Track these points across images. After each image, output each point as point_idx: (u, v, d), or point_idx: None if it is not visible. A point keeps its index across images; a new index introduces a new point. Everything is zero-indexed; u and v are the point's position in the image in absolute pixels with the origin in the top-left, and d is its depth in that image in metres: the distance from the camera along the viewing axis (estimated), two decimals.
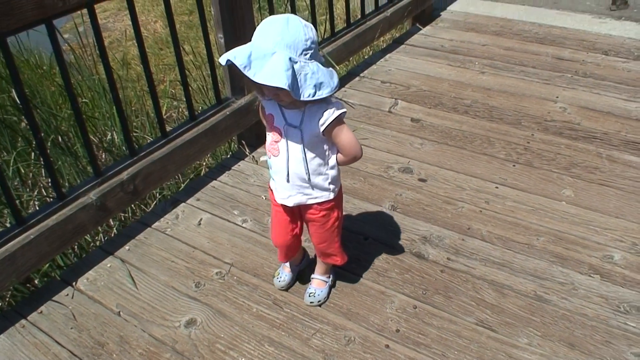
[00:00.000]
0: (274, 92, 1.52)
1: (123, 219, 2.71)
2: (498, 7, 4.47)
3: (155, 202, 2.79)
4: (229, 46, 2.56)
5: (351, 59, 3.96)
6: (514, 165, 2.62)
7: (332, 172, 1.74)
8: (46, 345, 1.92)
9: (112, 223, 2.63)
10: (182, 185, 2.84)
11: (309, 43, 1.48)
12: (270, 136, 1.70)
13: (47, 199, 2.68)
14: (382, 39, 4.15)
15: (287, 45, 1.45)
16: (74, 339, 1.94)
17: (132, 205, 2.67)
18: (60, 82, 3.64)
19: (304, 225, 1.92)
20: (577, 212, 2.33)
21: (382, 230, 2.30)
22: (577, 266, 2.08)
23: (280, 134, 1.66)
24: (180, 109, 3.86)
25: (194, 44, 4.91)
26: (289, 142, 1.65)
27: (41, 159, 2.67)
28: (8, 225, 2.34)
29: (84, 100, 3.50)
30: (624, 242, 2.17)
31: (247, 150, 2.83)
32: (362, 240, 2.26)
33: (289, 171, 1.70)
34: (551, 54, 3.67)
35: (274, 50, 1.44)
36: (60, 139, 3.00)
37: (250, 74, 1.44)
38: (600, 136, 2.80)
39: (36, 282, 2.32)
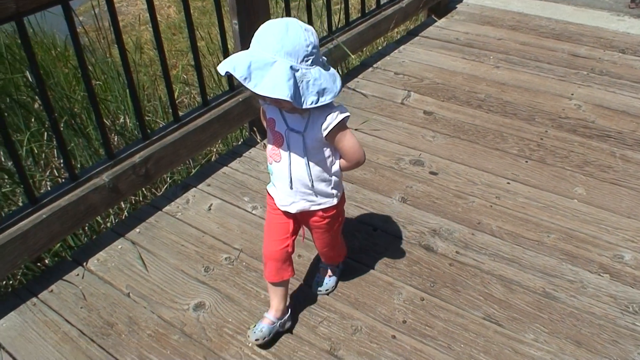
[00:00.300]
0: (275, 100, 1.47)
1: (134, 202, 2.73)
2: (514, 2, 4.45)
3: (166, 186, 2.81)
4: (243, 32, 2.57)
5: (365, 49, 3.95)
6: (526, 162, 2.62)
7: (335, 178, 1.70)
8: (56, 324, 1.95)
9: (123, 205, 2.65)
10: (193, 171, 2.85)
11: (310, 49, 1.43)
12: (271, 141, 1.65)
13: (59, 179, 2.70)
14: (396, 30, 4.14)
15: (287, 53, 1.41)
16: (83, 318, 1.96)
17: (143, 189, 2.69)
18: (75, 64, 3.68)
19: (296, 240, 1.83)
20: (588, 211, 2.33)
21: (391, 222, 2.31)
22: (586, 265, 2.08)
23: (282, 139, 1.61)
24: (192, 95, 3.87)
25: (207, 30, 4.91)
26: (291, 147, 1.61)
27: (54, 140, 2.71)
28: (20, 204, 2.37)
29: (97, 82, 3.51)
30: (635, 242, 2.17)
31: (259, 137, 2.83)
32: (371, 231, 2.26)
33: (292, 177, 1.65)
34: (567, 50, 3.65)
35: (274, 60, 1.40)
36: (73, 120, 3.02)
37: (250, 85, 1.40)
38: (614, 135, 2.79)
39: (47, 261, 2.35)
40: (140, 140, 2.35)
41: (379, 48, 4.02)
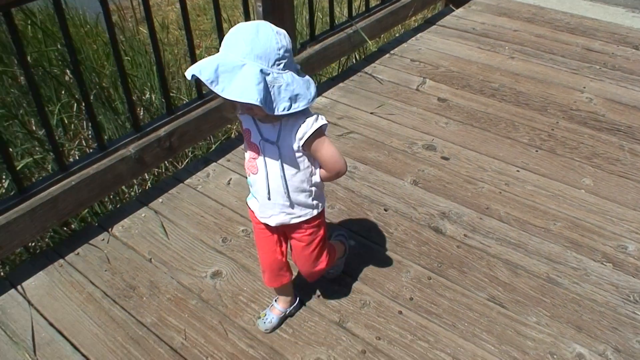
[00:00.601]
0: (247, 107, 1.35)
1: (156, 173, 2.76)
2: None
3: (187, 160, 2.84)
4: (267, 14, 2.57)
5: (382, 36, 3.93)
6: (536, 151, 2.61)
7: (316, 189, 1.58)
8: (81, 285, 1.99)
9: (146, 177, 2.68)
10: (213, 146, 2.87)
11: (281, 52, 1.32)
12: (247, 153, 1.54)
13: (87, 150, 2.73)
14: (413, 18, 4.11)
15: (257, 56, 1.29)
16: (107, 281, 2.00)
17: (166, 162, 2.71)
18: (105, 40, 3.70)
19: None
20: (595, 201, 2.32)
21: (402, 203, 2.31)
22: (590, 253, 2.08)
23: (258, 150, 1.49)
24: None
25: (230, 12, 4.90)
26: (266, 158, 1.49)
27: (83, 112, 2.74)
28: (50, 171, 2.40)
29: (126, 58, 3.53)
30: (639, 234, 2.16)
31: None
32: (383, 211, 2.27)
33: (269, 189, 1.53)
34: (581, 44, 3.61)
35: (243, 62, 1.28)
36: (101, 94, 3.04)
37: (218, 89, 1.27)
38: (624, 129, 2.77)
39: (74, 226, 2.39)
40: (165, 115, 2.37)
41: (397, 35, 3.99)
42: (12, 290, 1.99)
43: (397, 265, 2.04)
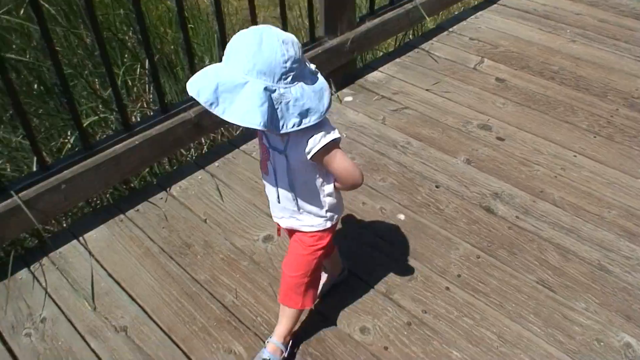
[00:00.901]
0: None
1: (212, 138, 2.79)
2: None
3: (241, 128, 2.85)
4: None
5: (440, 13, 3.83)
6: (594, 137, 2.51)
7: (330, 199, 1.45)
8: (140, 239, 2.04)
9: (202, 141, 2.71)
10: None
11: (288, 64, 1.17)
12: (260, 152, 1.47)
13: (148, 112, 2.78)
14: None
15: (260, 72, 1.15)
16: (164, 237, 2.05)
17: (222, 128, 2.73)
18: (168, 6, 3.72)
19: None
20: None
21: (454, 181, 2.27)
22: None
23: (268, 153, 1.40)
24: None
25: None
26: (275, 163, 1.40)
27: (146, 75, 2.77)
28: (111, 132, 2.46)
29: (190, 26, 3.55)
30: None
31: (333, 89, 2.82)
32: (434, 188, 2.24)
33: (279, 193, 1.44)
34: None
35: (245, 80, 1.15)
36: (163, 60, 3.08)
37: (218, 111, 1.16)
38: None
39: (134, 184, 2.44)
40: None
41: (456, 13, 3.88)
42: (75, 241, 2.06)
43: (446, 242, 2.01)
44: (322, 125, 1.28)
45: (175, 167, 2.51)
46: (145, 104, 2.90)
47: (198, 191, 2.24)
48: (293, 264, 1.54)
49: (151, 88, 2.94)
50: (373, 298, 1.82)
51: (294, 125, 1.21)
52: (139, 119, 2.61)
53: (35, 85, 2.86)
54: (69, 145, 2.47)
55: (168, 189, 2.25)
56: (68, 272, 1.95)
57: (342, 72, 2.81)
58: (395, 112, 2.69)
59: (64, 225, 2.27)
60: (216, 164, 2.38)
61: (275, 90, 1.16)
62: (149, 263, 1.95)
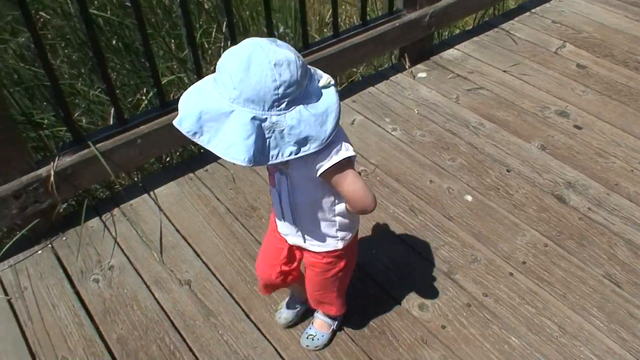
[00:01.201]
0: None
1: None
2: None
3: None
4: None
5: None
6: None
7: (341, 219, 1.32)
8: (207, 198, 2.10)
9: None
10: (339, 87, 2.88)
11: (281, 91, 1.02)
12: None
13: None
14: None
15: (248, 100, 1.01)
16: (231, 198, 2.10)
17: None
18: None
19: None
20: None
21: (526, 166, 2.22)
22: None
23: (274, 167, 1.27)
24: (347, 14, 3.83)
25: None
26: (280, 181, 1.27)
27: (222, 40, 2.81)
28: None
29: None
30: None
31: (408, 63, 2.78)
32: (505, 172, 2.19)
33: (282, 211, 1.32)
34: None
35: (231, 109, 1.02)
36: (239, 24, 3.12)
37: (202, 141, 1.05)
38: None
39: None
40: (302, 48, 2.38)
41: None
42: (145, 195, 2.14)
43: (513, 228, 1.98)
44: (335, 139, 1.12)
45: None
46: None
47: None
48: (317, 286, 1.48)
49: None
50: (434, 276, 1.82)
51: (290, 154, 1.07)
52: None
53: (114, 42, 2.95)
54: (145, 102, 2.55)
55: None
56: (137, 224, 2.03)
57: (418, 47, 2.77)
58: (469, 91, 2.63)
59: (135, 179, 2.36)
60: None
61: (266, 119, 1.03)
62: (215, 222, 2.01)
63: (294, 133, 1.05)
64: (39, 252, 1.96)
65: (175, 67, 2.81)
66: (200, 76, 2.14)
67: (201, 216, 2.03)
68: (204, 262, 1.88)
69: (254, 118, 1.01)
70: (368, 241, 1.92)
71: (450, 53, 2.91)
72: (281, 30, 3.19)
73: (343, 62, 2.49)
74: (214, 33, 3.08)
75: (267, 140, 1.04)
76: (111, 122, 2.23)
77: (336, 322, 1.66)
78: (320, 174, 1.16)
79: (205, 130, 1.04)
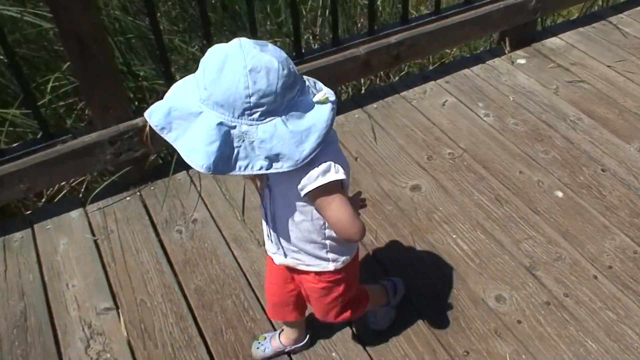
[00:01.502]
0: None
1: (370, 80, 2.79)
2: None
3: (401, 74, 2.83)
4: None
5: None
6: None
7: (331, 242, 1.20)
8: None
9: (361, 80, 2.73)
10: (430, 67, 2.82)
11: (253, 99, 0.93)
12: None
13: (313, 45, 2.83)
14: None
15: (217, 103, 0.94)
16: None
17: (381, 72, 2.73)
18: None
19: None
20: None
21: (623, 168, 2.11)
22: None
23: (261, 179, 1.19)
24: None
25: None
26: (265, 195, 1.18)
27: (319, 11, 2.81)
28: None
29: None
30: None
31: (508, 48, 2.68)
32: (600, 171, 2.09)
33: (269, 227, 1.23)
34: None
35: (199, 110, 0.95)
36: None
37: (170, 138, 0.98)
38: None
39: None
40: (399, 23, 2.35)
41: None
42: None
43: (603, 230, 1.89)
44: (324, 158, 1.02)
45: None
46: (311, 36, 2.96)
47: (353, 129, 2.27)
48: (320, 310, 1.38)
49: (319, 21, 2.99)
50: (515, 270, 1.77)
51: (261, 168, 0.98)
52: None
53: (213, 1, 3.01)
54: None
55: None
56: (222, 182, 2.08)
57: (520, 32, 2.66)
58: (570, 83, 2.52)
59: None
60: (374, 105, 2.39)
61: (235, 126, 0.95)
62: None
63: (264, 147, 0.96)
64: (128, 198, 2.05)
65: (273, 31, 2.83)
66: (297, 43, 2.15)
67: None
68: None
69: (221, 124, 0.94)
70: (449, 224, 1.89)
71: (553, 42, 2.78)
72: (378, 2, 3.14)
73: (442, 41, 2.43)
74: (310, 1, 3.07)
75: (236, 149, 0.96)
76: None
77: (390, 304, 1.60)
78: (305, 194, 1.06)
79: (174, 127, 0.98)
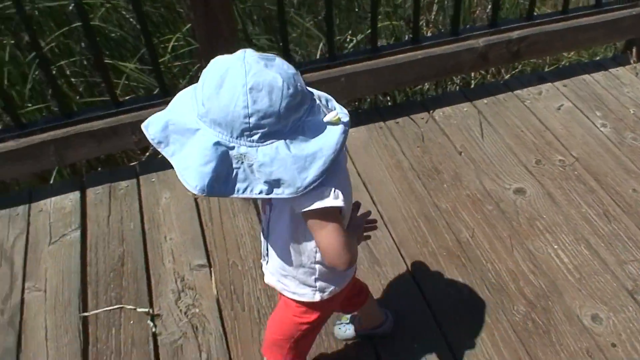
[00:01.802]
0: None
1: (480, 75, 2.72)
2: None
3: (513, 72, 2.73)
4: None
5: None
6: None
7: (322, 267, 1.12)
8: (394, 150, 2.11)
9: (472, 75, 2.66)
10: (547, 68, 2.71)
11: (253, 120, 0.86)
12: None
13: (425, 33, 2.77)
14: None
15: (214, 121, 0.87)
16: (416, 156, 2.09)
17: (492, 69, 2.65)
18: None
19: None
20: None
21: None
22: None
23: None
24: None
25: None
26: (267, 208, 1.11)
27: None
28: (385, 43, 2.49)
29: None
30: None
31: (634, 58, 2.53)
32: None
33: (265, 240, 1.16)
34: None
35: (197, 127, 0.89)
36: None
37: (166, 152, 0.92)
38: None
39: (397, 99, 2.51)
40: (523, 18, 2.27)
41: None
42: None
43: None
44: (324, 181, 0.93)
45: (440, 92, 2.52)
46: (425, 23, 2.90)
47: (460, 122, 2.23)
48: (276, 323, 1.31)
49: (434, 8, 2.93)
50: (616, 291, 1.68)
51: (261, 192, 0.92)
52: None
53: None
54: (352, 43, 2.58)
55: (431, 111, 2.27)
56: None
57: None
58: None
59: None
60: (484, 100, 2.32)
61: (233, 147, 0.88)
62: (397, 175, 2.02)
63: (263, 171, 0.89)
64: None
65: (390, 13, 2.81)
66: (416, 30, 2.11)
67: (384, 166, 2.05)
68: (378, 211, 1.90)
69: (218, 144, 0.87)
70: (551, 234, 1.82)
71: None
72: None
73: (565, 42, 2.33)
74: None
75: (235, 170, 0.90)
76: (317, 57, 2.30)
77: (373, 331, 1.56)
78: (301, 213, 0.99)
79: (171, 141, 0.91)
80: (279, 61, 0.89)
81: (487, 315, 1.62)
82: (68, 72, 2.51)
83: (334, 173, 0.95)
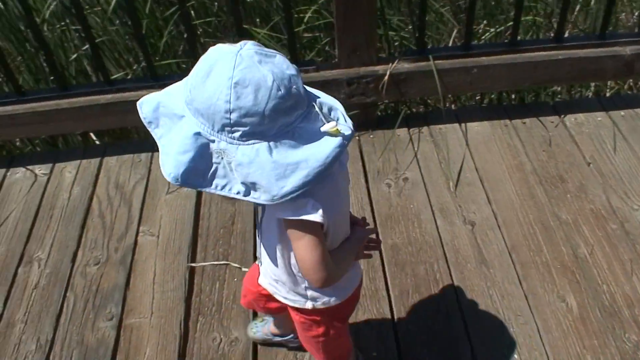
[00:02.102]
0: None
1: (621, 84, 2.57)
2: None
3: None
4: None
5: None
6: None
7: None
8: (517, 151, 2.05)
9: (608, 83, 2.52)
10: None
11: (234, 116, 0.82)
12: None
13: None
14: None
15: (197, 111, 0.85)
16: (541, 160, 2.01)
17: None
18: None
19: None
20: None
21: None
22: None
23: None
24: None
25: None
26: (260, 210, 1.07)
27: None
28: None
29: None
30: None
31: None
32: None
33: (259, 242, 1.13)
34: None
35: (182, 113, 0.87)
36: None
37: (155, 134, 0.91)
38: None
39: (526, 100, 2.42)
40: None
41: None
42: (456, 124, 2.16)
43: None
44: (305, 194, 0.88)
45: (574, 97, 2.40)
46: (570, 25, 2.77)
47: (592, 131, 2.11)
48: (302, 340, 1.31)
49: (577, 8, 2.78)
50: None
51: (238, 193, 0.88)
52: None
53: None
54: (486, 34, 2.50)
55: (562, 116, 2.17)
56: (441, 148, 2.07)
57: None
58: None
59: (452, 107, 2.38)
60: (622, 112, 2.18)
61: (214, 140, 0.85)
62: (517, 177, 1.95)
63: (240, 171, 0.86)
64: None
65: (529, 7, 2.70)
66: (515, 31, 2.04)
67: (505, 166, 1.99)
68: (493, 211, 1.85)
69: (198, 134, 0.85)
70: None
71: None
72: None
73: None
74: None
75: (215, 165, 0.87)
76: (450, 44, 2.26)
77: (280, 339, 1.53)
78: (281, 219, 0.97)
79: (160, 123, 0.90)
80: (279, 59, 0.85)
81: (594, 337, 1.55)
82: (199, 32, 2.61)
83: (321, 185, 0.90)
